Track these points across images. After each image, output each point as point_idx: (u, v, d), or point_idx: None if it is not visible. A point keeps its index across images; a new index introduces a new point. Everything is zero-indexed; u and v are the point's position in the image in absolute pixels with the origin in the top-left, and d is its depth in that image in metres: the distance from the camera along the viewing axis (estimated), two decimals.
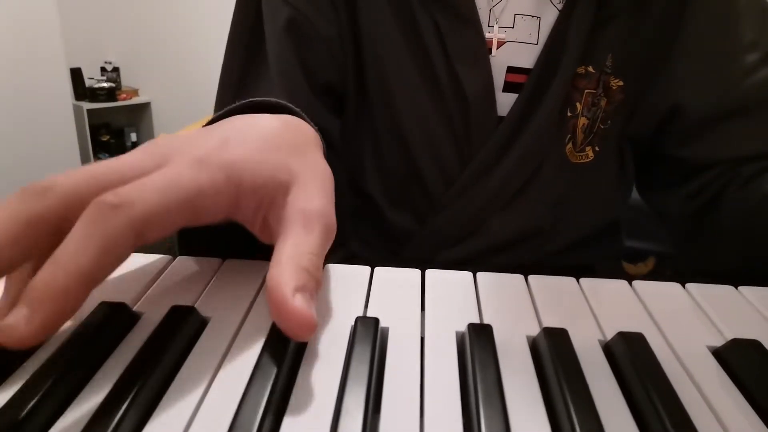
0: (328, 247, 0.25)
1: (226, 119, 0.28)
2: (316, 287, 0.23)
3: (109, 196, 0.20)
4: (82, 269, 0.19)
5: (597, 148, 0.49)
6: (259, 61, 0.47)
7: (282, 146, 0.27)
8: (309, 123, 0.32)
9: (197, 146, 0.24)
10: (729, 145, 0.48)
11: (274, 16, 0.47)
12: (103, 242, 0.19)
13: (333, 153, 0.48)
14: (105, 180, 0.22)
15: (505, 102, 0.46)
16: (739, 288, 0.30)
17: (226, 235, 0.29)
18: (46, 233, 0.20)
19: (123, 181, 0.22)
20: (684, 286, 0.30)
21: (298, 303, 0.21)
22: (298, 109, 0.32)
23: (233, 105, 0.32)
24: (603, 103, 0.47)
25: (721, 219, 0.48)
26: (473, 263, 0.31)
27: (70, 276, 0.19)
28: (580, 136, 0.48)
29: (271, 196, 0.25)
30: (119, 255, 0.20)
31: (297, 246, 0.23)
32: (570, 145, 0.48)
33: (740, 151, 0.47)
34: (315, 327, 0.22)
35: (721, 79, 0.47)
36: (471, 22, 0.44)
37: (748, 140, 0.47)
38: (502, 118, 0.46)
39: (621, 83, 0.47)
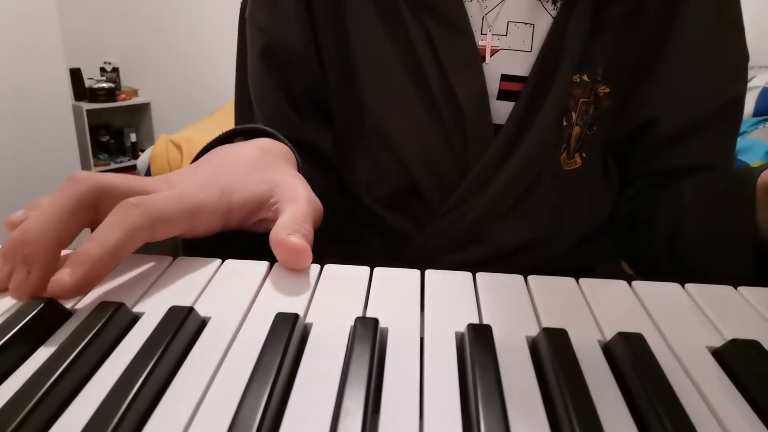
0: (315, 217, 0.32)
1: (215, 149, 0.36)
2: (307, 236, 0.29)
3: (132, 199, 0.27)
4: (110, 245, 0.25)
5: (584, 154, 0.49)
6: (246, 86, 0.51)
7: (261, 166, 0.34)
8: (283, 142, 0.39)
9: (197, 175, 0.32)
10: (667, 158, 0.49)
11: (252, 43, 0.49)
12: (125, 229, 0.26)
13: (319, 164, 0.49)
14: (131, 185, 0.29)
15: (500, 110, 0.46)
16: (739, 288, 0.30)
17: (226, 239, 0.33)
18: (88, 209, 0.27)
19: (143, 190, 0.29)
20: (684, 286, 0.30)
21: (293, 238, 0.28)
22: (274, 132, 0.40)
23: (219, 135, 0.40)
24: (591, 110, 0.47)
25: (640, 227, 0.50)
26: (473, 270, 0.31)
27: (100, 249, 0.25)
28: (573, 144, 0.48)
29: (258, 202, 0.32)
30: (136, 240, 0.27)
31: (290, 214, 0.30)
32: (564, 154, 0.48)
33: (669, 164, 0.49)
34: (307, 255, 0.28)
35: (695, 98, 0.47)
36: (463, 30, 0.44)
37: (686, 153, 0.48)
38: (498, 126, 0.46)
39: (608, 90, 0.47)
